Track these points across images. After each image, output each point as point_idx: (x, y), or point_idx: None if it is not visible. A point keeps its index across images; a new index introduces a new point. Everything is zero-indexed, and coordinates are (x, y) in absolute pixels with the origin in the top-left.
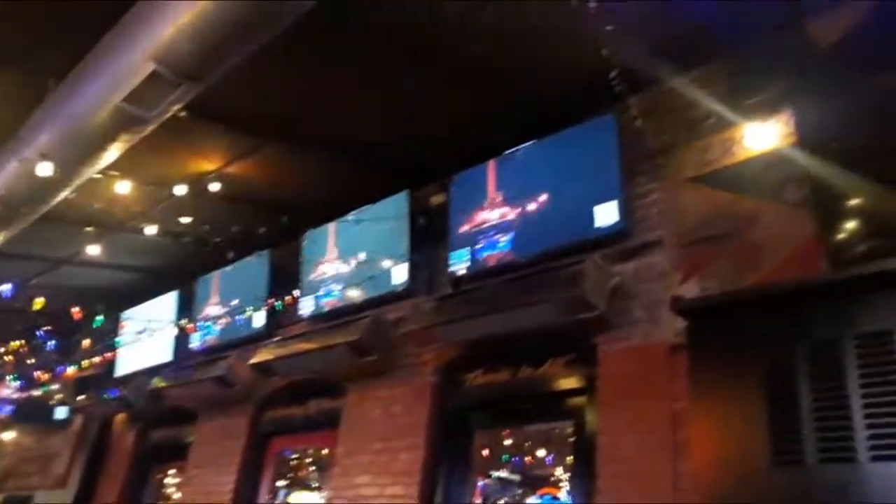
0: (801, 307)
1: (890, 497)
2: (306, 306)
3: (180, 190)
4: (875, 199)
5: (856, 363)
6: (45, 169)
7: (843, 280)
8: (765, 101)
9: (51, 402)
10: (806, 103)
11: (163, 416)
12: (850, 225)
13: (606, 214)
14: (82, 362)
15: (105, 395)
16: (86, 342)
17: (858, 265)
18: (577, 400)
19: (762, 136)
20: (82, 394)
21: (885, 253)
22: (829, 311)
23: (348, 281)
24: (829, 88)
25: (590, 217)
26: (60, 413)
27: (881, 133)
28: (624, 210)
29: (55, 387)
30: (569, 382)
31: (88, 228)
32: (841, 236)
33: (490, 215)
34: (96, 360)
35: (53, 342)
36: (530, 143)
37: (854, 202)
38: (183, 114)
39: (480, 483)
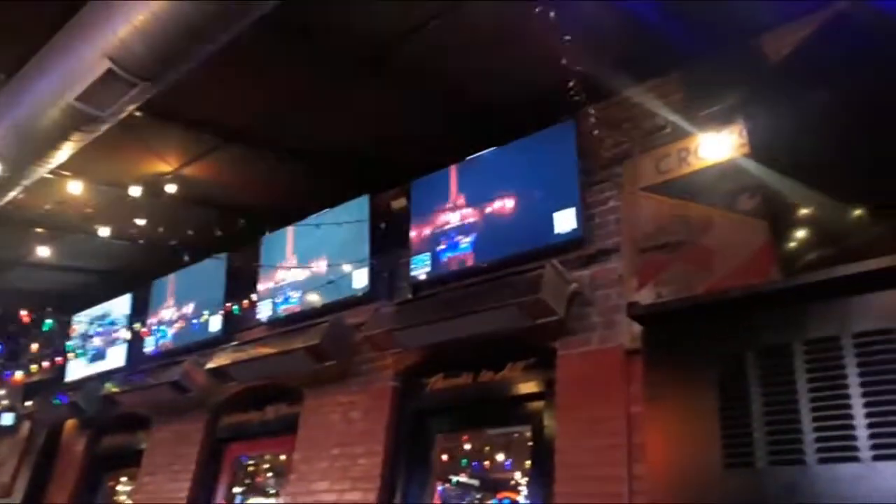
0: (752, 313)
1: (835, 498)
2: (264, 310)
3: (135, 191)
4: (823, 208)
5: (804, 368)
6: None
7: (792, 287)
8: (719, 112)
9: None
10: (758, 115)
11: (115, 422)
12: (801, 234)
13: (565, 221)
14: (31, 367)
15: (55, 401)
16: (34, 346)
17: (807, 273)
18: (536, 404)
19: (716, 146)
20: (30, 399)
21: (833, 261)
22: (779, 318)
23: (307, 285)
24: (779, 101)
25: (549, 223)
26: (6, 419)
27: (828, 145)
28: (582, 217)
29: (1, 392)
30: (528, 387)
31: (39, 229)
32: (792, 244)
33: (451, 221)
34: (45, 364)
35: (0, 346)
36: (491, 149)
37: (804, 212)
38: (138, 114)
39: (440, 488)
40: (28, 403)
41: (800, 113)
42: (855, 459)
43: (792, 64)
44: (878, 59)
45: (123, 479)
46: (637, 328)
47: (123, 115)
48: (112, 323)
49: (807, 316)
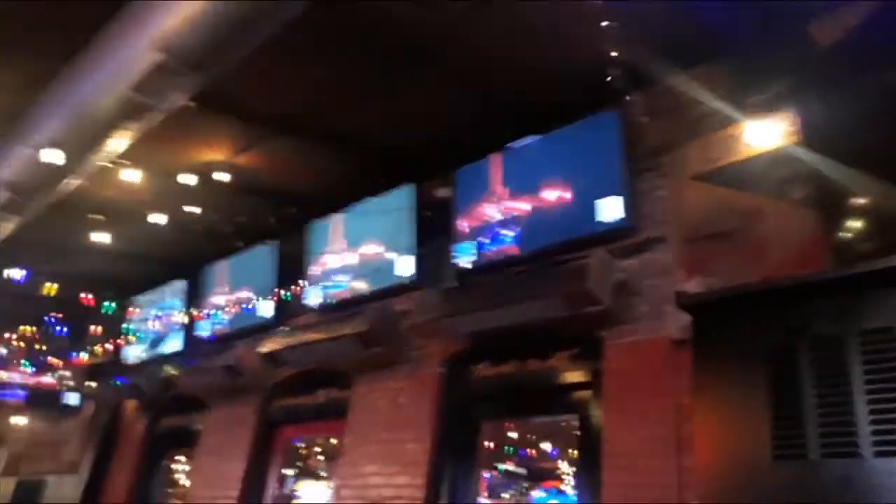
0: (804, 303)
1: (892, 493)
2: (314, 297)
3: (189, 179)
4: (879, 197)
5: (860, 359)
6: (53, 156)
7: (847, 277)
8: (767, 99)
9: (62, 388)
10: (809, 101)
11: (173, 403)
12: (855, 222)
13: (611, 210)
14: (93, 349)
15: (114, 382)
16: (96, 328)
17: (863, 262)
18: (583, 393)
19: (765, 133)
20: (93, 380)
21: (888, 250)
22: (832, 308)
23: (356, 272)
24: (832, 87)
25: (594, 212)
26: (72, 399)
27: (884, 131)
28: (628, 206)
29: (67, 373)
30: (574, 376)
31: (98, 216)
32: (845, 234)
33: (495, 209)
34: (108, 346)
35: (64, 328)
36: (535, 138)
37: (858, 200)
38: (192, 104)
39: (486, 475)
40: (91, 384)
41: (853, 99)
42: None
43: (844, 49)
44: None
45: (181, 458)
46: (685, 318)
47: (176, 104)
48: (168, 307)
49: (862, 306)
